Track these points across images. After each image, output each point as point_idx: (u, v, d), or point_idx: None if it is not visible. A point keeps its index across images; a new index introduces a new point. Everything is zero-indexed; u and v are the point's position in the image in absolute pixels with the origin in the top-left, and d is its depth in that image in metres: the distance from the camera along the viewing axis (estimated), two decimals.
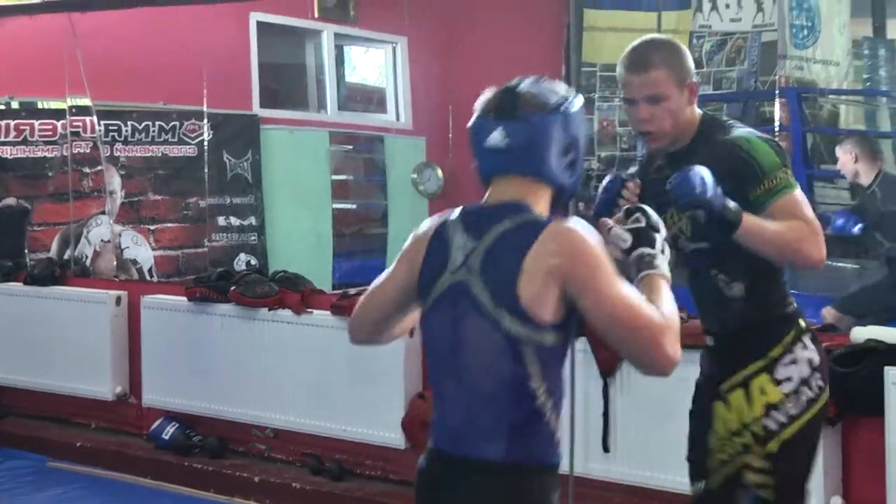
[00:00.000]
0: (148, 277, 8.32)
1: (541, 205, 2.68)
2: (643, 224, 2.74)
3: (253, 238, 8.85)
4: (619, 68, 3.44)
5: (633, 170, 3.69)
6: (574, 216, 2.72)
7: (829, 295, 6.71)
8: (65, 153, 8.16)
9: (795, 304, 3.47)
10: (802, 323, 3.45)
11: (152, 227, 8.44)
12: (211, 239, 8.65)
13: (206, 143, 8.54)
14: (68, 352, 7.20)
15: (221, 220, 8.71)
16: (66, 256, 8.09)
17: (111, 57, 8.11)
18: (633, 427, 5.24)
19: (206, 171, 8.55)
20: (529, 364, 2.58)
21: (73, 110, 8.18)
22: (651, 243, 2.71)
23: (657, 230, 2.74)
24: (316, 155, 9.30)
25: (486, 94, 2.73)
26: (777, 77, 8.19)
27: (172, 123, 8.51)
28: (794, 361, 3.38)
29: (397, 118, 10.08)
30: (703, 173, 3.16)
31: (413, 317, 2.87)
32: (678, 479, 5.08)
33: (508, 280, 2.56)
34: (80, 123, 8.24)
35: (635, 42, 3.45)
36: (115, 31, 8.15)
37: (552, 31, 9.03)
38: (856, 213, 7.11)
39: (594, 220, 2.85)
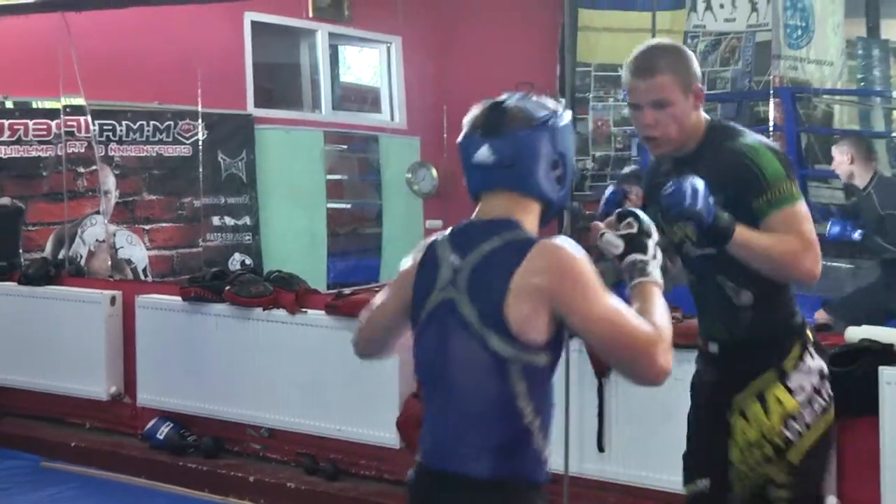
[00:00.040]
0: (142, 277, 8.32)
1: (529, 219, 2.70)
2: (635, 230, 2.74)
3: (247, 238, 8.85)
4: (624, 73, 3.43)
5: (628, 169, 3.69)
6: (562, 235, 2.72)
7: (824, 295, 6.72)
8: (59, 153, 8.15)
9: (801, 313, 3.47)
10: (809, 333, 3.46)
11: (147, 227, 8.44)
12: (205, 239, 8.65)
13: (200, 143, 8.54)
14: (63, 352, 7.19)
15: (216, 220, 8.71)
16: (60, 256, 8.08)
17: (105, 56, 8.10)
18: (627, 427, 5.24)
19: (200, 170, 8.55)
20: (516, 383, 2.59)
21: (68, 110, 8.17)
22: (643, 249, 2.71)
23: (649, 235, 2.74)
24: (310, 155, 9.30)
25: (474, 110, 2.74)
26: (771, 77, 8.21)
27: (167, 123, 8.50)
28: (804, 371, 3.39)
29: (392, 118, 10.09)
30: (695, 184, 3.16)
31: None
32: (673, 478, 5.08)
33: (496, 299, 2.57)
34: (75, 123, 8.22)
35: (640, 47, 3.43)
36: (110, 30, 8.13)
37: (547, 31, 9.04)
38: (850, 218, 7.11)
39: (586, 223, 2.87)
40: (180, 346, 6.74)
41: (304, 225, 9.16)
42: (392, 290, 2.87)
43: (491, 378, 2.59)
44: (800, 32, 8.36)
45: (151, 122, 8.44)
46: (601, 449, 5.31)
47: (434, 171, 9.49)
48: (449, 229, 2.77)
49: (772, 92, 8.06)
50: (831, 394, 3.43)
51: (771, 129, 7.91)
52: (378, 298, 2.92)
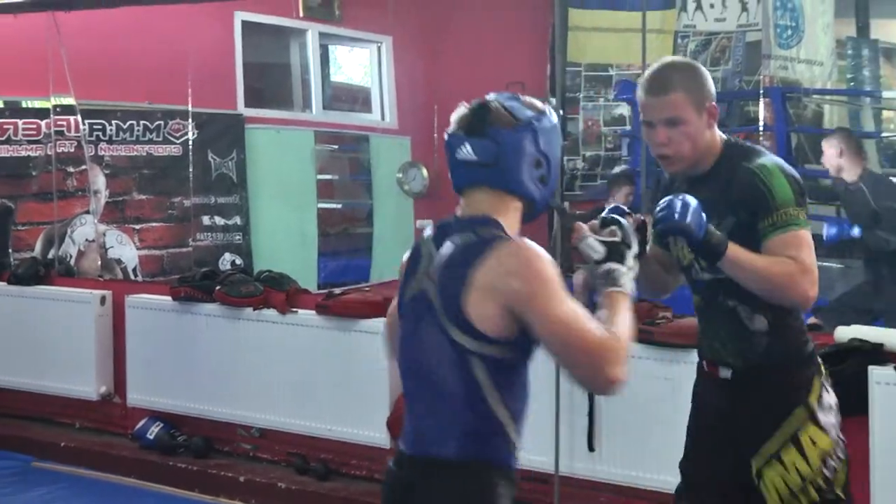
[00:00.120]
0: (132, 277, 8.31)
1: (509, 217, 2.75)
2: (618, 238, 2.78)
3: (238, 237, 8.84)
4: (638, 91, 3.43)
5: (618, 169, 3.66)
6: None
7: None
8: (49, 152, 8.14)
9: (810, 337, 3.45)
10: (820, 361, 3.45)
11: (137, 227, 8.43)
12: (196, 238, 8.64)
13: (190, 143, 8.53)
14: (53, 352, 7.17)
15: (206, 220, 8.70)
16: (50, 256, 8.07)
17: (95, 56, 8.09)
18: (618, 426, 5.24)
19: (190, 170, 8.54)
20: (478, 374, 2.65)
21: (58, 109, 8.16)
22: (621, 259, 2.75)
23: (629, 246, 2.78)
24: (301, 154, 9.29)
25: (460, 109, 2.80)
26: (761, 77, 8.22)
27: (157, 123, 8.49)
28: (828, 408, 3.38)
29: (382, 118, 10.08)
30: (686, 199, 3.15)
31: None
32: (664, 478, 5.10)
33: (455, 293, 2.64)
34: (65, 122, 8.22)
35: (655, 65, 3.43)
36: (100, 30, 8.12)
37: (537, 31, 9.04)
38: (841, 214, 7.13)
39: (570, 223, 2.89)
40: (170, 346, 6.73)
41: (295, 225, 9.15)
42: (397, 289, 2.93)
43: (454, 368, 2.67)
44: (790, 32, 8.37)
45: (141, 122, 8.43)
46: (591, 449, 5.28)
47: (425, 171, 9.49)
48: (435, 224, 2.84)
49: (762, 92, 8.08)
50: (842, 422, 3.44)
51: (761, 128, 7.92)
52: (392, 302, 3.01)
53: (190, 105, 8.44)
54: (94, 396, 7.07)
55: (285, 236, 9.07)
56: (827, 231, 6.89)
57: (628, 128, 9.08)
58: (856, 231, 6.91)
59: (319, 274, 9.07)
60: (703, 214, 3.16)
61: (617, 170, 8.43)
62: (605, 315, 2.65)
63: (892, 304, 6.86)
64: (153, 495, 6.40)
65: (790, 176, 3.30)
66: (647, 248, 3.52)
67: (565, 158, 8.69)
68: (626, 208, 3.34)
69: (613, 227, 2.79)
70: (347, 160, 10.15)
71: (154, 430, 6.73)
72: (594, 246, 2.76)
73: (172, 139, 8.54)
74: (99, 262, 8.23)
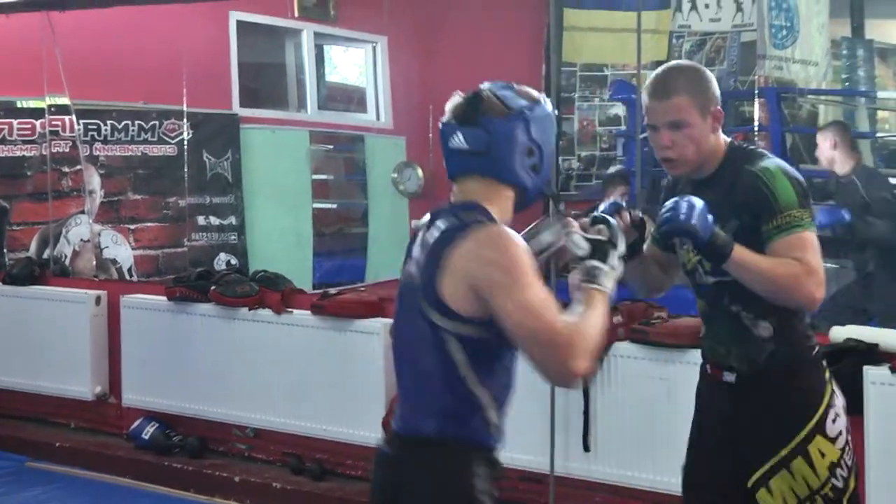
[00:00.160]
0: (128, 277, 8.30)
1: (501, 205, 2.80)
2: (605, 238, 2.80)
3: (233, 237, 8.83)
4: (643, 94, 3.42)
5: (613, 169, 3.64)
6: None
7: None
8: (44, 152, 8.13)
9: (816, 341, 3.45)
10: (825, 364, 3.45)
11: (132, 227, 8.42)
12: (191, 238, 8.64)
13: (185, 143, 8.52)
14: (48, 352, 7.17)
15: (201, 220, 8.69)
16: (45, 256, 8.06)
17: (90, 56, 8.09)
18: (613, 426, 5.25)
19: (185, 170, 8.54)
20: (454, 353, 2.71)
21: (52, 109, 8.16)
22: (604, 258, 2.77)
23: (615, 246, 2.80)
24: (296, 154, 9.29)
25: (454, 98, 2.84)
26: (756, 77, 8.22)
27: (152, 123, 8.49)
28: (837, 415, 3.38)
29: (377, 118, 10.08)
30: (692, 201, 3.16)
31: None
32: (659, 478, 5.12)
33: (431, 274, 2.71)
34: (59, 122, 8.21)
35: (659, 68, 3.43)
36: (94, 29, 8.12)
37: (532, 31, 9.03)
38: (835, 205, 7.13)
39: (562, 216, 2.91)
40: (165, 346, 6.73)
41: (290, 225, 9.15)
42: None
43: (432, 348, 2.73)
44: (785, 32, 8.37)
45: (136, 122, 8.43)
46: (587, 448, 5.31)
47: (420, 171, 9.48)
48: (430, 210, 2.90)
49: (757, 92, 8.08)
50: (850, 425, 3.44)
51: (756, 128, 7.93)
52: None
53: (185, 105, 8.44)
54: (89, 396, 7.07)
55: (280, 236, 9.06)
56: (819, 218, 6.91)
57: (623, 128, 9.08)
58: (845, 212, 6.91)
59: (315, 274, 9.06)
60: (710, 216, 3.16)
61: (612, 170, 8.43)
62: (576, 309, 2.67)
63: (885, 303, 6.87)
64: (148, 495, 6.40)
65: (793, 178, 3.30)
66: (646, 246, 3.53)
67: (560, 158, 8.68)
68: (623, 203, 3.35)
69: (601, 227, 2.81)
70: (342, 160, 10.15)
71: (149, 431, 6.72)
72: (579, 243, 2.78)
73: (167, 139, 8.53)
74: (94, 262, 8.23)
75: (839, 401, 3.41)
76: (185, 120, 8.49)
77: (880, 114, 9.96)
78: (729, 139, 3.44)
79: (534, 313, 2.58)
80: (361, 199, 9.87)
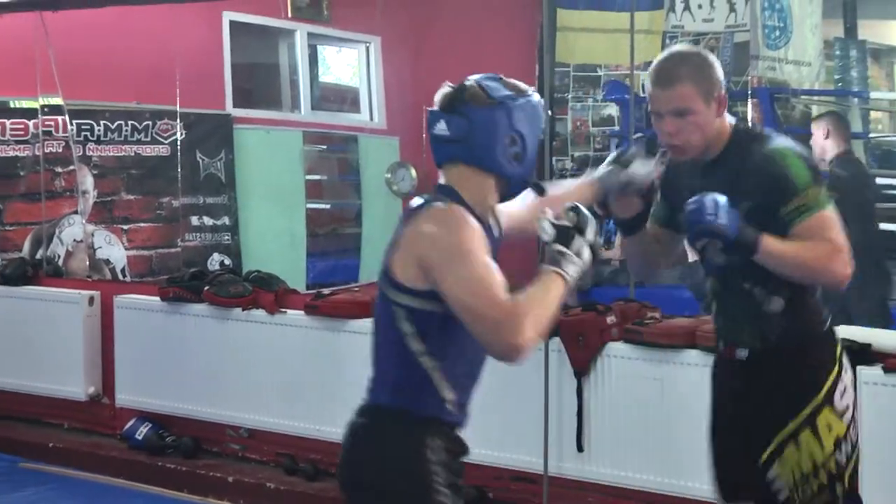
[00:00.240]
0: (121, 277, 8.28)
1: (480, 192, 2.89)
2: (570, 224, 2.82)
3: (226, 238, 8.82)
4: (646, 81, 3.43)
5: (634, 148, 3.56)
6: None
7: None
8: (37, 153, 8.12)
9: (828, 314, 3.46)
10: (838, 337, 3.46)
11: (125, 227, 8.40)
12: (184, 239, 8.62)
13: (179, 143, 8.51)
14: (41, 352, 7.17)
15: (195, 220, 8.68)
16: (38, 256, 8.05)
17: (83, 56, 8.07)
18: (607, 426, 5.26)
19: (179, 170, 8.52)
20: (404, 326, 2.83)
21: (45, 109, 8.14)
22: (568, 243, 2.80)
23: (582, 233, 2.82)
24: (289, 155, 9.27)
25: (443, 88, 2.93)
26: (749, 77, 8.23)
27: (145, 123, 8.47)
28: (845, 389, 3.39)
29: (371, 118, 10.07)
30: (717, 200, 3.17)
31: None
32: (653, 478, 5.13)
33: (390, 250, 2.85)
34: (52, 123, 8.20)
35: (663, 54, 3.43)
36: (87, 30, 8.11)
37: (526, 31, 9.03)
38: None
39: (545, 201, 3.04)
40: (159, 346, 6.73)
41: (284, 225, 9.14)
42: None
43: (387, 320, 2.86)
44: (778, 33, 8.38)
45: (129, 122, 8.41)
46: (580, 449, 5.32)
47: (413, 172, 9.47)
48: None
49: (750, 92, 8.08)
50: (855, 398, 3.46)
51: None
52: None
53: (178, 105, 8.42)
54: (82, 397, 7.07)
55: (274, 237, 9.05)
56: None
57: (617, 128, 9.08)
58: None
59: (308, 274, 9.05)
60: (734, 211, 3.17)
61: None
62: (528, 288, 2.72)
63: (867, 304, 6.86)
64: (142, 496, 6.40)
65: (802, 156, 3.34)
66: (648, 223, 3.54)
67: (554, 159, 8.68)
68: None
69: (572, 215, 2.83)
70: (336, 160, 10.14)
71: (143, 431, 6.72)
72: (546, 228, 2.82)
73: (161, 139, 8.51)
74: (87, 263, 8.21)
75: (848, 376, 3.43)
76: (178, 120, 8.48)
77: (873, 114, 9.97)
78: (734, 120, 3.44)
79: (475, 288, 2.65)
80: (355, 199, 9.85)
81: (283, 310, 6.35)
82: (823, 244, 3.22)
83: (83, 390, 7.05)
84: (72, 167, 8.19)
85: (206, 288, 6.53)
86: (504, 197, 2.94)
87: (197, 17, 8.62)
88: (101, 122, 8.29)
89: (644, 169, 3.34)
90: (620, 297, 5.69)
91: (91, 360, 7.07)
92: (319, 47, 10.19)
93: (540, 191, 3.03)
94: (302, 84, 9.67)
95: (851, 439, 3.40)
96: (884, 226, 7.57)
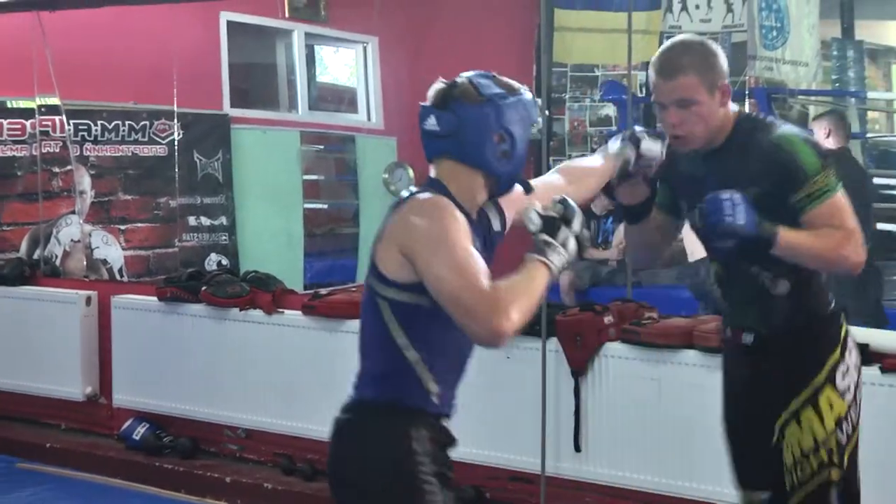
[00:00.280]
0: (118, 277, 8.29)
1: (465, 185, 2.90)
2: (556, 216, 2.83)
3: (224, 238, 8.82)
4: (649, 71, 3.42)
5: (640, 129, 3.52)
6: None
7: None
8: (34, 153, 8.11)
9: (832, 297, 3.47)
10: (844, 319, 3.46)
11: (123, 227, 8.40)
12: (182, 239, 8.62)
13: (176, 143, 8.51)
14: (38, 352, 7.16)
15: (192, 220, 8.68)
16: (35, 256, 8.05)
17: (80, 56, 8.07)
18: (604, 427, 5.26)
19: (176, 170, 8.52)
20: (386, 316, 2.85)
21: (43, 109, 8.14)
22: (553, 234, 2.80)
23: (568, 224, 2.83)
24: (287, 155, 9.28)
25: (436, 85, 2.96)
26: (747, 77, 8.23)
27: (142, 123, 8.47)
28: (848, 369, 3.40)
29: (368, 118, 10.08)
30: (734, 199, 3.16)
31: None
32: (651, 478, 5.13)
33: (375, 242, 2.87)
34: (50, 123, 8.19)
35: (665, 45, 3.42)
36: (85, 30, 8.11)
37: (523, 31, 9.05)
38: None
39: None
40: (156, 346, 6.73)
41: (281, 225, 9.14)
42: None
43: (371, 313, 2.88)
44: (775, 33, 8.39)
45: (127, 122, 8.41)
46: (578, 449, 5.32)
47: (411, 172, 9.48)
48: None
49: (747, 93, 8.09)
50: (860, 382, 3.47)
51: None
52: None
53: (175, 105, 8.42)
54: (79, 397, 7.06)
55: (271, 237, 9.05)
56: None
57: (614, 128, 9.08)
58: None
59: (305, 274, 9.06)
60: (750, 207, 3.16)
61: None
62: (513, 275, 2.73)
63: (862, 304, 6.87)
64: (139, 496, 6.40)
65: (809, 141, 3.35)
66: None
67: (551, 159, 8.68)
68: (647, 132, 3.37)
69: (559, 206, 2.84)
70: (333, 160, 10.14)
71: (140, 431, 6.71)
72: (532, 217, 2.82)
73: (158, 139, 8.52)
74: (84, 263, 8.21)
75: (852, 357, 3.44)
76: (175, 120, 8.48)
77: (870, 114, 9.99)
78: (738, 108, 3.44)
79: (456, 274, 2.66)
80: (352, 199, 9.86)
81: (281, 310, 6.34)
82: (836, 232, 3.23)
83: (80, 390, 7.04)
84: (69, 167, 8.19)
85: (203, 288, 6.53)
86: (493, 193, 2.96)
87: (194, 18, 8.63)
88: (99, 122, 8.29)
89: (655, 146, 3.33)
90: (618, 298, 5.69)
91: (88, 360, 7.06)
92: (317, 47, 10.20)
93: (528, 189, 3.03)
94: (299, 84, 9.67)
95: (852, 420, 3.40)
96: (881, 226, 7.59)
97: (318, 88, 10.30)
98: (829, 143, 7.06)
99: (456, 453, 3.02)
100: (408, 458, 2.85)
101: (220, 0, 8.70)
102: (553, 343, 5.33)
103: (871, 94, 9.79)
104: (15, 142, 8.15)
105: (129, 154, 8.44)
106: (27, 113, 8.17)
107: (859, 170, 7.52)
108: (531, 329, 5.21)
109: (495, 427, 5.48)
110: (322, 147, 9.91)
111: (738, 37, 8.72)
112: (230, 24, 9.04)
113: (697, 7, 8.95)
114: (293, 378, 6.19)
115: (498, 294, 2.63)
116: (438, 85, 2.94)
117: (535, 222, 2.82)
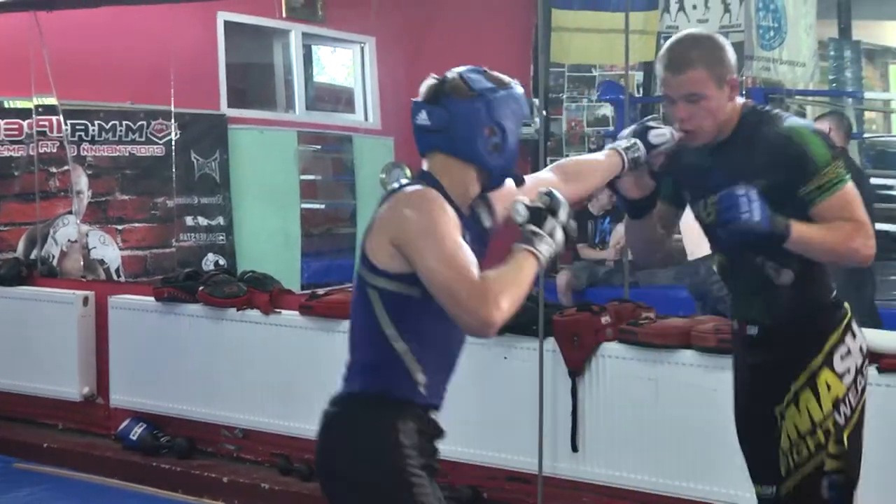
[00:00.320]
0: (115, 278, 8.29)
1: (455, 180, 2.91)
2: (542, 207, 2.85)
3: (221, 238, 8.83)
4: (657, 65, 3.41)
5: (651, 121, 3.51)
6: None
7: None
8: (31, 153, 8.11)
9: (835, 285, 3.46)
10: (847, 307, 3.46)
11: (120, 227, 8.41)
12: (179, 239, 8.63)
13: (173, 143, 8.52)
14: (35, 352, 7.16)
15: (189, 220, 8.69)
16: (32, 256, 8.04)
17: (77, 56, 8.07)
18: (601, 427, 5.25)
19: (173, 170, 8.53)
20: (375, 307, 2.86)
21: (40, 109, 8.13)
22: (540, 224, 2.82)
23: (554, 215, 2.84)
24: (284, 155, 9.29)
25: (427, 80, 2.99)
26: (744, 78, 8.24)
27: (140, 123, 8.47)
28: (849, 352, 3.39)
29: (365, 118, 10.09)
30: (750, 194, 3.15)
31: None
32: (648, 478, 5.13)
33: (366, 234, 2.89)
34: (47, 123, 8.19)
35: (673, 39, 3.40)
36: (82, 30, 8.11)
37: (520, 32, 9.06)
38: None
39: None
40: (153, 346, 6.72)
41: (278, 225, 9.15)
42: None
43: (361, 303, 2.90)
44: (772, 33, 8.39)
45: (124, 122, 8.42)
46: (575, 449, 5.31)
47: (408, 172, 9.46)
48: None
49: (744, 93, 8.08)
50: (867, 371, 3.46)
51: None
52: None
53: (173, 105, 8.43)
54: (76, 397, 7.05)
55: (268, 237, 9.06)
56: None
57: (612, 128, 9.09)
58: None
59: (303, 274, 9.07)
60: (764, 202, 3.16)
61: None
62: (501, 266, 2.75)
63: (857, 304, 6.87)
64: (136, 496, 6.39)
65: (817, 132, 3.34)
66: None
67: (548, 160, 8.69)
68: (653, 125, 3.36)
69: (546, 198, 2.85)
70: (330, 160, 10.15)
71: (137, 431, 6.71)
72: (519, 209, 2.84)
73: (155, 139, 8.52)
74: (82, 263, 8.21)
75: (854, 342, 3.42)
76: (172, 120, 8.49)
77: (867, 114, 10.00)
78: (744, 101, 3.43)
79: (445, 265, 2.69)
80: (349, 199, 9.87)
81: (278, 310, 6.34)
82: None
83: (78, 390, 7.03)
84: (66, 167, 8.19)
85: (200, 288, 6.52)
86: (486, 187, 2.97)
87: (191, 18, 8.63)
88: (96, 123, 8.29)
89: (664, 131, 3.32)
90: (615, 298, 5.69)
91: (85, 360, 7.05)
92: (314, 47, 10.21)
93: (520, 182, 3.04)
94: (296, 84, 9.68)
95: (850, 402, 3.39)
96: (878, 226, 7.58)
97: (316, 88, 10.30)
98: None
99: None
100: (395, 450, 2.86)
101: (217, 0, 8.70)
102: (550, 343, 5.33)
103: (868, 95, 9.81)
104: (12, 142, 8.15)
105: (127, 154, 8.45)
106: (24, 113, 8.17)
107: (857, 170, 7.53)
108: (528, 329, 5.21)
109: (492, 427, 5.48)
110: (319, 147, 9.91)
111: (736, 37, 8.70)
112: (227, 24, 9.05)
113: (695, 7, 8.96)
114: (290, 378, 6.19)
115: (487, 284, 2.66)
116: (430, 81, 2.97)
117: (521, 213, 2.83)
